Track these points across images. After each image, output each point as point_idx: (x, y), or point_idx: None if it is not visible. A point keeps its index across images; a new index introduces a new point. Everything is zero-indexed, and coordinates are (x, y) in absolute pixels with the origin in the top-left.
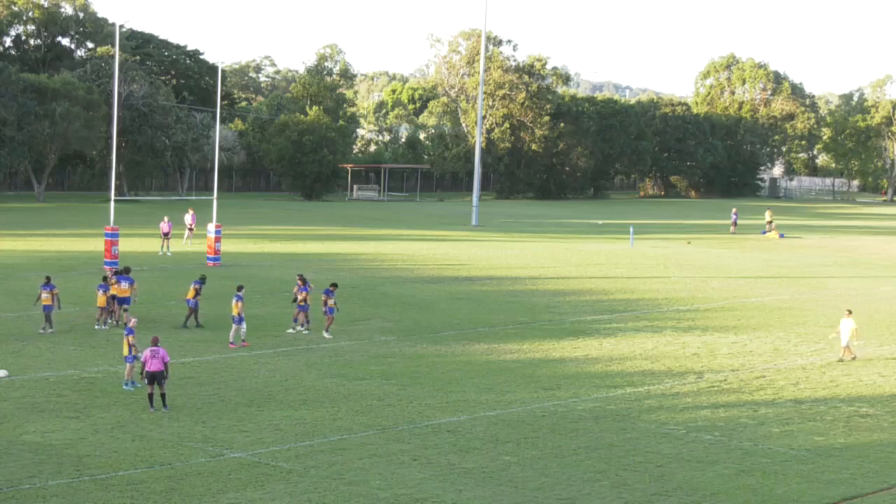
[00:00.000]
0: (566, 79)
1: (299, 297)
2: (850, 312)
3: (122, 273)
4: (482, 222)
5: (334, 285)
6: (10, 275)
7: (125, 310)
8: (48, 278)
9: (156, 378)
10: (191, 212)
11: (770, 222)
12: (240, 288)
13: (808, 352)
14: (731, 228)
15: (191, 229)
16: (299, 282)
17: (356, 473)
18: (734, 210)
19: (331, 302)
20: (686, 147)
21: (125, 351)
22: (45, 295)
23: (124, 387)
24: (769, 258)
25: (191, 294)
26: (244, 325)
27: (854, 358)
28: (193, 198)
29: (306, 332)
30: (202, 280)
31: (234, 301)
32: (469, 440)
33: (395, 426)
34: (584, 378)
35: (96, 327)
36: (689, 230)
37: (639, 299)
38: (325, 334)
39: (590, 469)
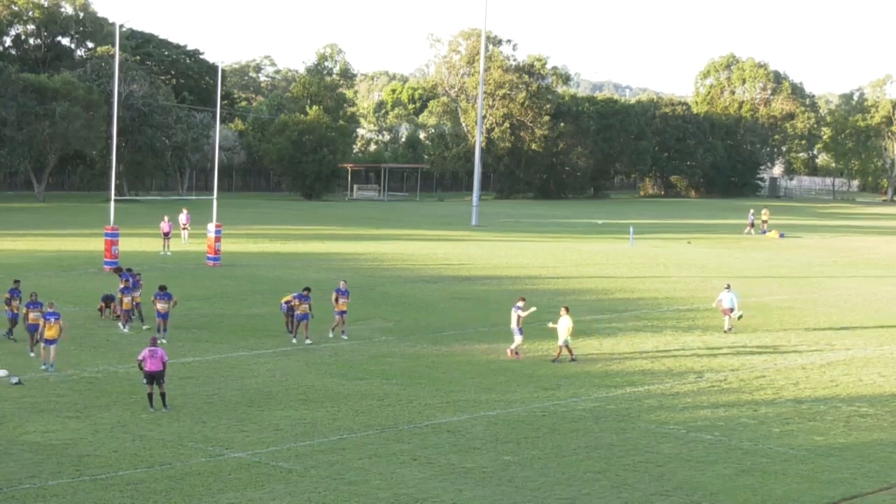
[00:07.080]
0: (566, 79)
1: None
2: (567, 310)
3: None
4: (482, 222)
5: (307, 289)
6: (10, 275)
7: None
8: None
9: (155, 378)
10: (185, 211)
11: (765, 221)
12: (522, 299)
13: (808, 352)
14: (747, 229)
15: (185, 228)
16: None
17: (356, 473)
18: (752, 211)
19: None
20: (686, 147)
21: (53, 334)
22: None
23: (48, 368)
24: (769, 258)
25: (342, 306)
26: (519, 338)
27: (574, 359)
28: (193, 197)
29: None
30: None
31: (513, 311)
32: (469, 440)
33: (395, 426)
34: (584, 378)
35: (126, 330)
36: (689, 230)
37: (639, 299)
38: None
39: (590, 469)
